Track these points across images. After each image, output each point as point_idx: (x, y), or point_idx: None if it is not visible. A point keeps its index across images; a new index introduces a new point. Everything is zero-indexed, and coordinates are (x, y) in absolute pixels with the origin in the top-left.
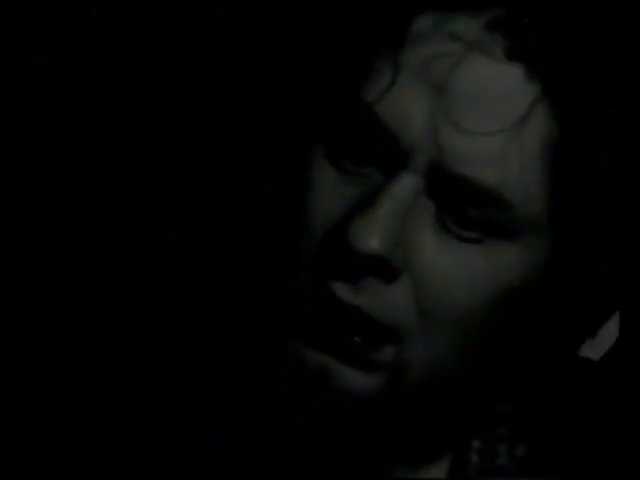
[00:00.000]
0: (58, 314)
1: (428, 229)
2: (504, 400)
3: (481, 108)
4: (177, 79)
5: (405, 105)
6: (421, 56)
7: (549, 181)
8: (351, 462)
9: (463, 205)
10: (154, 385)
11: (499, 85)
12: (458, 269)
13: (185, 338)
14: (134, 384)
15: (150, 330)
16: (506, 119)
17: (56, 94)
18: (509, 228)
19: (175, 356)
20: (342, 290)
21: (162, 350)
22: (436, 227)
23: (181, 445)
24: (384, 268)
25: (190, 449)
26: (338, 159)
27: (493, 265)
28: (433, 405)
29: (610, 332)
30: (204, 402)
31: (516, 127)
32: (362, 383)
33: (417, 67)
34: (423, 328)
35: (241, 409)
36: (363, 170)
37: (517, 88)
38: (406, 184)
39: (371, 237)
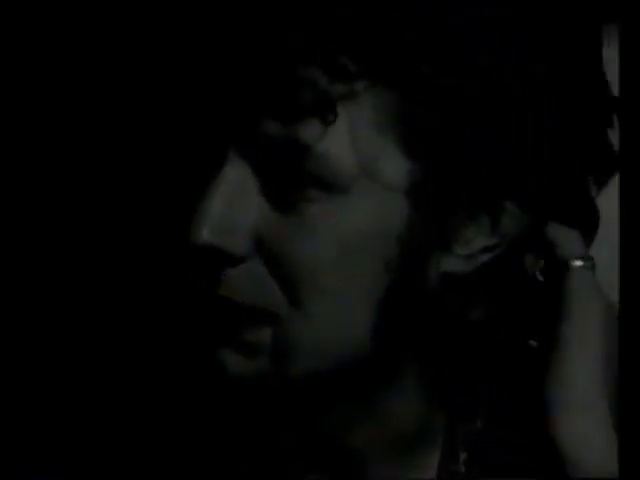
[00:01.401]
0: (58, 314)
1: (263, 204)
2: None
3: None
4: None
5: None
6: None
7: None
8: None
9: (284, 163)
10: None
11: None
12: (301, 233)
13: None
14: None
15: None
16: None
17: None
18: (336, 180)
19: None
20: (204, 283)
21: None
22: (271, 199)
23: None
24: (221, 256)
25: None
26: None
27: (336, 220)
28: (345, 382)
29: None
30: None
31: None
32: (247, 365)
33: None
34: (290, 300)
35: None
36: (200, 171)
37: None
38: (229, 172)
39: (200, 230)
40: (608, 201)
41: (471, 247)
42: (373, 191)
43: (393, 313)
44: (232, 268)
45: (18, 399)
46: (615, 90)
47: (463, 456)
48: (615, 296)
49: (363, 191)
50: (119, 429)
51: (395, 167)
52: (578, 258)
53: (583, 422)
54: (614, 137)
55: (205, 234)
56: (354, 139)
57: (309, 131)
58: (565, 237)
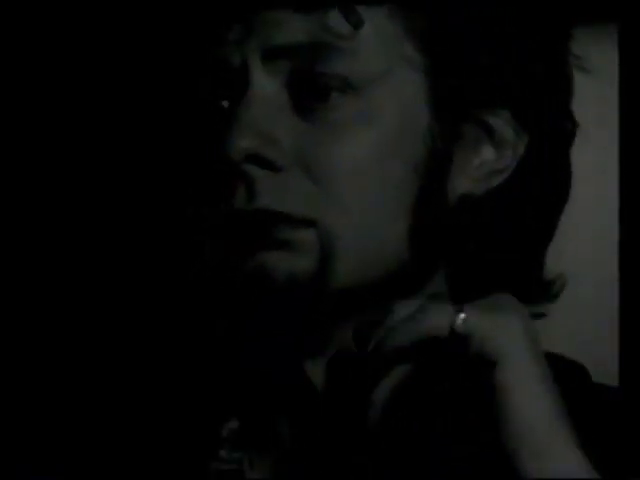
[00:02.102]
0: (58, 313)
1: (293, 116)
2: None
3: None
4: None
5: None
6: None
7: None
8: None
9: (311, 71)
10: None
11: None
12: (334, 140)
13: None
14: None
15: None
16: None
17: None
18: (366, 76)
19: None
20: (239, 200)
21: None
22: (300, 111)
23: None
24: (262, 162)
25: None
26: (204, 110)
27: (367, 121)
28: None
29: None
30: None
31: None
32: (295, 262)
33: None
34: (332, 204)
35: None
36: (222, 105)
37: None
38: (256, 86)
39: (239, 139)
40: (608, 201)
41: (484, 170)
42: (399, 88)
43: (422, 221)
44: (271, 178)
45: (18, 399)
46: (615, 90)
47: None
48: (615, 296)
49: (391, 88)
50: (119, 429)
51: (416, 63)
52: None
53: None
54: None
55: (245, 141)
56: (381, 36)
57: (342, 26)
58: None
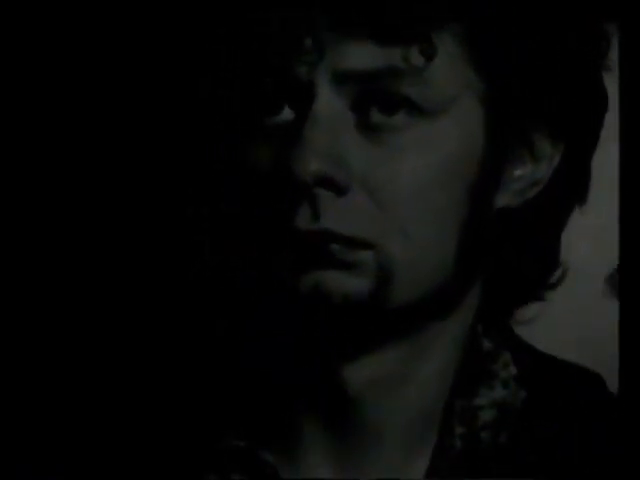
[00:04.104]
0: (57, 314)
1: (358, 138)
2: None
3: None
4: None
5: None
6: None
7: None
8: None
9: (381, 92)
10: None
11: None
12: (397, 162)
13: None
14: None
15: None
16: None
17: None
18: (435, 103)
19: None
20: (301, 220)
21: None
22: (364, 133)
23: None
24: (330, 186)
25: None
26: (256, 115)
27: (430, 145)
28: (429, 304)
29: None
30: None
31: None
32: (351, 283)
33: None
34: (392, 227)
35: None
36: (281, 119)
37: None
38: (321, 105)
39: (308, 161)
40: (608, 202)
41: (523, 182)
42: (463, 115)
43: (470, 238)
44: (336, 200)
45: (18, 399)
46: (615, 90)
47: (459, 430)
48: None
49: (455, 113)
50: (119, 429)
51: (477, 89)
52: None
53: None
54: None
55: (316, 164)
56: (450, 63)
57: (416, 57)
58: None
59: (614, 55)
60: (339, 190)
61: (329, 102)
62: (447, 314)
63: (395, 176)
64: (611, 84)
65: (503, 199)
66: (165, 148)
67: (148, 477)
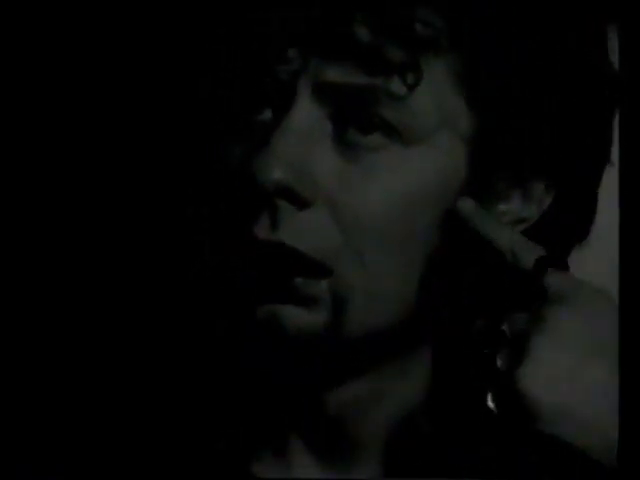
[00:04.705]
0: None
1: (331, 153)
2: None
3: None
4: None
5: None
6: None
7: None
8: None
9: (361, 109)
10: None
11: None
12: (367, 182)
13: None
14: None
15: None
16: None
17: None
18: (413, 131)
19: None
20: (259, 229)
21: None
22: (339, 148)
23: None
24: (292, 197)
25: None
26: (234, 114)
27: (404, 170)
28: (386, 331)
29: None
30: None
31: None
32: (307, 318)
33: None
34: (350, 251)
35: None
36: (256, 116)
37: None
38: (297, 114)
39: (272, 169)
40: (608, 202)
41: (508, 218)
42: (443, 148)
43: (439, 267)
44: (297, 213)
45: (18, 399)
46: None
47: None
48: (615, 297)
49: (434, 144)
50: (119, 430)
51: (463, 124)
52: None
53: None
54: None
55: (278, 173)
56: (435, 94)
57: (397, 85)
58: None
59: (614, 56)
60: (300, 203)
61: (306, 111)
62: (417, 340)
63: (363, 195)
64: None
65: None
66: (165, 148)
67: (147, 477)
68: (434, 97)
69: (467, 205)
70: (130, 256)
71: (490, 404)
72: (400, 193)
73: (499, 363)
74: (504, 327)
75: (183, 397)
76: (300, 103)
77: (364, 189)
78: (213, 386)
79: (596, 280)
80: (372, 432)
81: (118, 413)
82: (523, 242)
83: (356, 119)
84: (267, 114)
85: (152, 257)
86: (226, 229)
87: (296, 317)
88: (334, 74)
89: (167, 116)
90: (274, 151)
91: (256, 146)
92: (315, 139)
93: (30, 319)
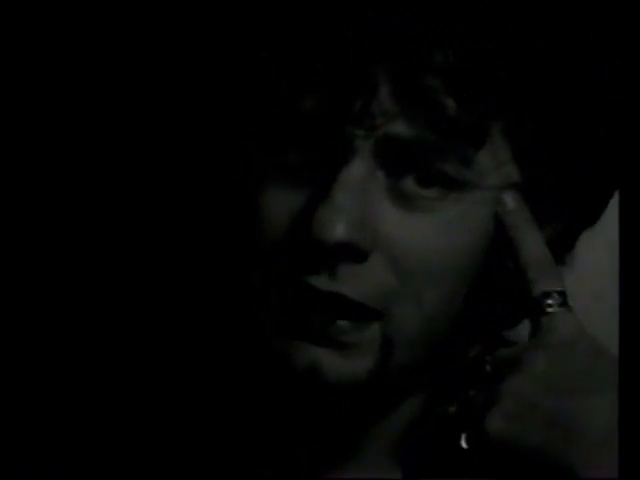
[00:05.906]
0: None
1: (387, 203)
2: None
3: None
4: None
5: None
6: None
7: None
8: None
9: (422, 163)
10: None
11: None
12: (425, 233)
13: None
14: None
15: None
16: None
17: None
18: (472, 182)
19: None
20: (317, 280)
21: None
22: (395, 199)
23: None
24: (353, 253)
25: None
26: (282, 153)
27: (461, 220)
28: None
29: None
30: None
31: None
32: (352, 370)
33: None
34: (408, 294)
35: (232, 411)
36: (309, 161)
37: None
38: (357, 167)
39: (335, 226)
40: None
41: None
42: (496, 205)
43: (475, 301)
44: (356, 265)
45: (18, 399)
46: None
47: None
48: (615, 298)
49: (489, 204)
50: (119, 430)
51: (514, 178)
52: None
53: None
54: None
55: (341, 231)
56: (492, 163)
57: (464, 143)
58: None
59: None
60: (360, 257)
61: (365, 164)
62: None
63: (422, 238)
64: None
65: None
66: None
67: (147, 477)
68: (494, 163)
69: (512, 198)
70: (129, 255)
71: (463, 444)
72: (455, 244)
73: (475, 399)
74: (487, 361)
75: (183, 397)
76: (360, 155)
77: (422, 235)
78: (213, 386)
79: (596, 279)
80: (375, 436)
81: (118, 413)
82: (548, 262)
83: (415, 171)
84: (318, 161)
85: (152, 256)
86: (279, 277)
87: (338, 363)
88: (398, 127)
89: (184, 125)
90: (336, 207)
91: (314, 198)
92: (371, 190)
93: (31, 320)
